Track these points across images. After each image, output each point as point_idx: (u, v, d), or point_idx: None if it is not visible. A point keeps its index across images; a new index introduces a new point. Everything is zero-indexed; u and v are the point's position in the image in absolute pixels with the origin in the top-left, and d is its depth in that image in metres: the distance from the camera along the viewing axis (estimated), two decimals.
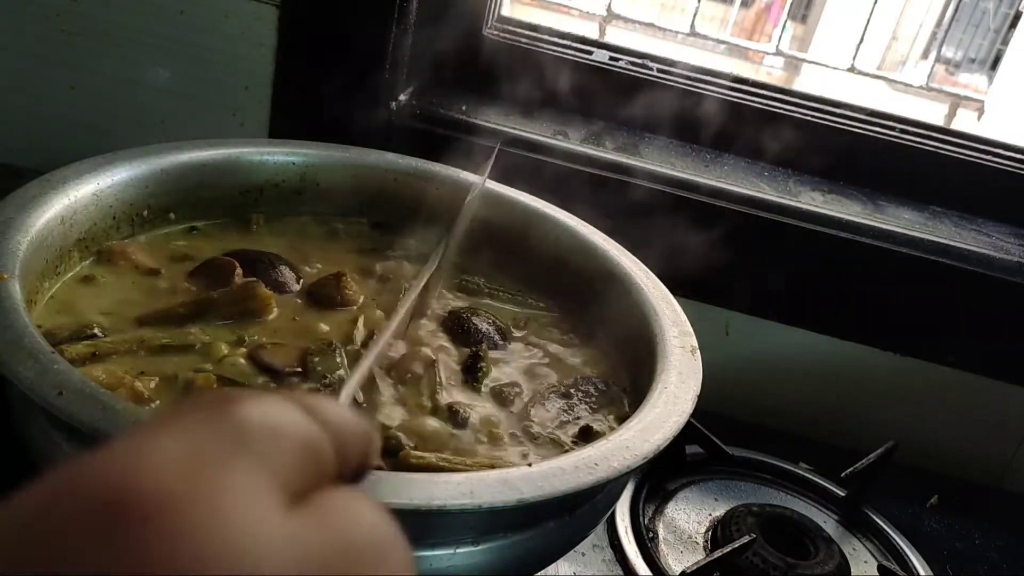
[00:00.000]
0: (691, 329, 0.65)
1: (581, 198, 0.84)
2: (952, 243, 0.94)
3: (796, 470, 0.89)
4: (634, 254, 0.75)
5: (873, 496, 0.86)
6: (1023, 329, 0.94)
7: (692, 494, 0.84)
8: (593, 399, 0.65)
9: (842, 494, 0.87)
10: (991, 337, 0.96)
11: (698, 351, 0.63)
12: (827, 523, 0.83)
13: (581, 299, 0.74)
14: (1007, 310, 0.93)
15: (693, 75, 1.06)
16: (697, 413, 0.57)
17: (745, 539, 0.72)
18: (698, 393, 0.58)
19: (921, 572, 0.80)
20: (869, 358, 0.98)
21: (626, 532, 0.76)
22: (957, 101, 1.29)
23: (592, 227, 0.78)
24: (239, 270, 0.68)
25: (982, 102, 1.40)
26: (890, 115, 1.08)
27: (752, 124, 1.05)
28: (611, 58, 1.07)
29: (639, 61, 1.07)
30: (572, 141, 0.96)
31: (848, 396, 1.00)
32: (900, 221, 0.97)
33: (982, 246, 0.95)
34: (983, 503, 0.95)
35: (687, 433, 0.80)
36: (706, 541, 0.78)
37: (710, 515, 0.81)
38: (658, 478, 0.84)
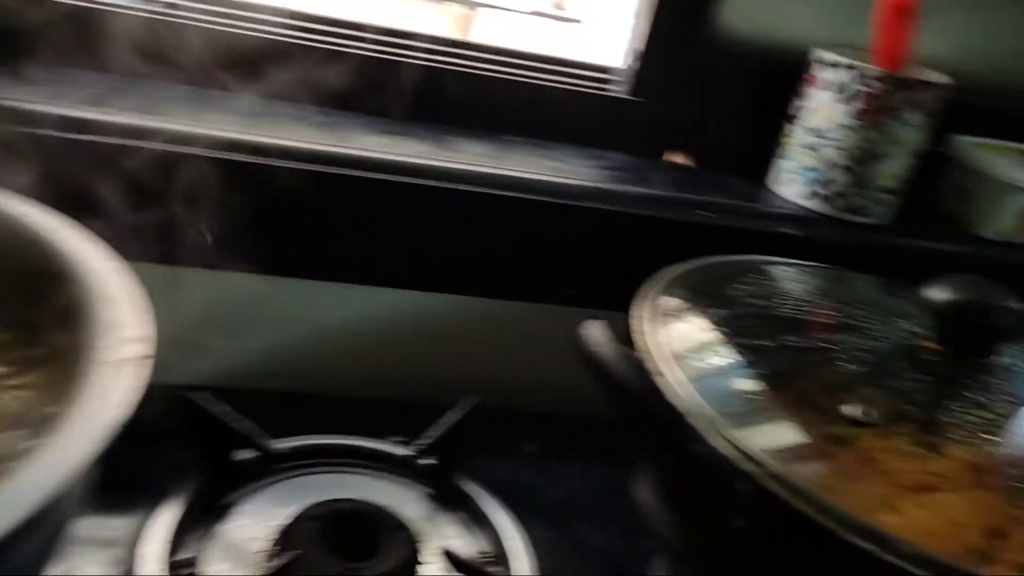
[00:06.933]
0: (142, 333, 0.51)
1: (52, 175, 0.67)
2: (521, 174, 0.88)
3: (373, 446, 0.79)
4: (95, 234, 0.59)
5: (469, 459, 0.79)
6: (599, 255, 0.90)
7: (249, 507, 0.71)
8: None
9: (431, 463, 0.79)
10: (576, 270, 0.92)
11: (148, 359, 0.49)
12: (416, 503, 0.75)
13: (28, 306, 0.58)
14: (580, 237, 0.89)
15: (226, 11, 0.91)
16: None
17: (285, 559, 0.61)
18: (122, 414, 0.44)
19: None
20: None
21: None
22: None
23: (48, 209, 0.60)
24: None
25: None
26: (461, 42, 1.00)
27: (307, 65, 0.92)
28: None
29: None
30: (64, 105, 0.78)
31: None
32: (467, 156, 0.89)
33: (553, 173, 0.90)
34: None
35: (227, 438, 0.68)
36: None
37: (278, 526, 0.69)
38: (207, 495, 0.70)
